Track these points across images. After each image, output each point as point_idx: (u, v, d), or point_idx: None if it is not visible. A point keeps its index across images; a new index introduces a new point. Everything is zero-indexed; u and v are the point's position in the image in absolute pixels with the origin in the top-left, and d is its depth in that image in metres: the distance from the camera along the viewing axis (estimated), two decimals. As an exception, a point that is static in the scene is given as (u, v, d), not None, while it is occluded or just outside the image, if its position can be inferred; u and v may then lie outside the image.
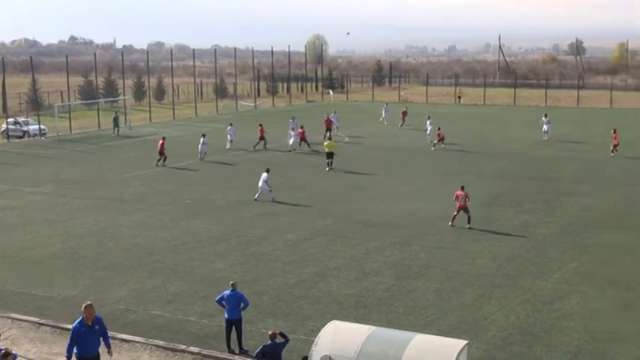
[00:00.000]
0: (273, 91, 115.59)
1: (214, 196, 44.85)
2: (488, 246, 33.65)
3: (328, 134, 66.48)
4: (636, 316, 25.17)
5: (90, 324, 18.96)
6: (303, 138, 62.91)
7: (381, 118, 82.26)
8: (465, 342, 18.12)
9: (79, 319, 19.07)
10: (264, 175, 43.42)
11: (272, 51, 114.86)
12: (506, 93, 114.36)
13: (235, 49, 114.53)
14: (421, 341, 17.98)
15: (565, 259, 31.60)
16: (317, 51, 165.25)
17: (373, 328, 18.88)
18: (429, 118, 69.25)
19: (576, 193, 44.85)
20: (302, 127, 64.06)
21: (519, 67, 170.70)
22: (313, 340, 18.62)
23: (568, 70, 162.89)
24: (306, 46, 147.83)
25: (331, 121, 70.52)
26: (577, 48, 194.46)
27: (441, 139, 63.09)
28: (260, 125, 65.64)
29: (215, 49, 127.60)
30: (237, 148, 62.57)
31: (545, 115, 70.67)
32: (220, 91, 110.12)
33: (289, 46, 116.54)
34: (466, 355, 18.04)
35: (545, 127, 68.48)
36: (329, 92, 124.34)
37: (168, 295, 27.61)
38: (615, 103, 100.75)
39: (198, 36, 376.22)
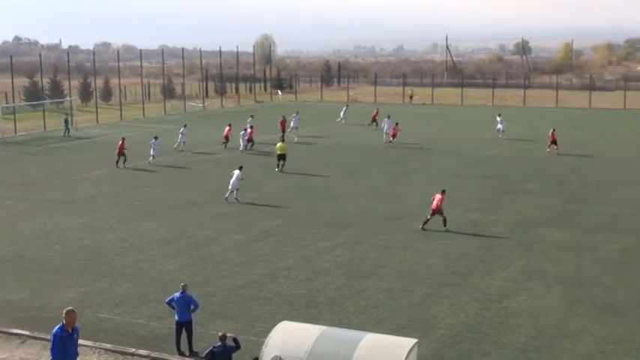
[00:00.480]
0: (221, 92, 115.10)
1: (163, 197, 44.54)
2: (438, 245, 33.88)
3: (282, 135, 66.36)
4: (582, 312, 25.52)
5: (70, 331, 18.11)
6: (250, 139, 62.75)
7: (339, 119, 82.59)
8: (414, 341, 18.21)
9: (59, 325, 18.13)
10: (237, 172, 43.31)
11: (220, 51, 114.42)
12: (453, 92, 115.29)
13: (183, 49, 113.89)
14: (371, 340, 18.04)
15: (513, 257, 31.94)
16: (265, 51, 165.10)
17: (324, 328, 18.89)
18: (388, 117, 69.35)
19: (523, 191, 45.36)
20: (251, 128, 64.02)
21: (466, 66, 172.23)
22: (263, 341, 18.57)
23: (514, 69, 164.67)
24: (254, 46, 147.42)
25: (285, 121, 70.52)
26: (523, 48, 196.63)
27: (394, 136, 63.77)
28: (229, 125, 66.03)
29: (162, 50, 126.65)
30: (188, 150, 62.18)
31: (499, 115, 71.38)
32: (168, 92, 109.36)
33: (237, 46, 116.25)
34: (416, 353, 18.13)
35: (499, 126, 69.25)
36: (277, 92, 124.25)
37: (116, 297, 27.35)
38: (561, 102, 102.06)
39: (145, 36, 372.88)
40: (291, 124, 73.49)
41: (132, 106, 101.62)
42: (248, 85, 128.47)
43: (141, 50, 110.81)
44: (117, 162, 54.91)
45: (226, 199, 42.81)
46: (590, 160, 56.23)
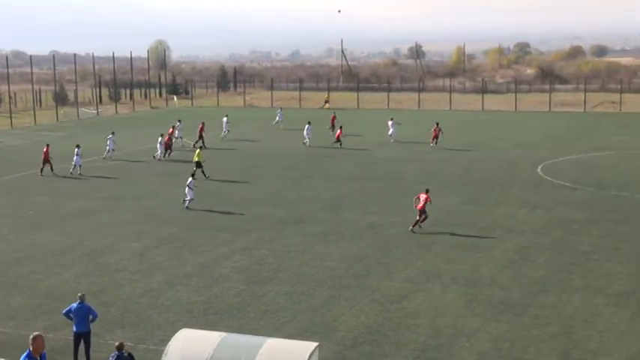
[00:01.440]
0: (115, 98, 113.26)
1: (59, 206, 43.56)
2: (337, 248, 34.05)
3: (199, 141, 65.64)
4: (479, 311, 26.00)
5: (38, 358, 16.59)
6: (168, 146, 61.17)
7: (274, 122, 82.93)
8: (315, 344, 18.24)
9: (26, 353, 16.61)
10: (189, 180, 42.73)
11: (113, 57, 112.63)
12: (349, 96, 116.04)
13: (75, 55, 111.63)
14: (272, 345, 17.99)
15: (411, 258, 32.33)
16: (160, 56, 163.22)
17: (224, 334, 18.76)
18: (309, 123, 69.14)
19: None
20: (170, 133, 62.56)
21: (362, 70, 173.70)
22: (163, 350, 18.33)
23: (408, 73, 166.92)
24: (148, 51, 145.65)
25: (204, 127, 69.63)
26: (417, 52, 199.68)
27: (338, 139, 65.34)
28: (202, 123, 67.71)
29: (54, 55, 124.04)
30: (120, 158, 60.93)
31: (391, 119, 72.13)
32: (60, 99, 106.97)
33: (131, 51, 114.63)
34: (317, 357, 18.16)
35: (391, 130, 70.02)
36: (173, 98, 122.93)
37: (9, 310, 26.60)
38: (454, 105, 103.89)
39: (35, 42, 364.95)
40: (224, 128, 73.87)
41: (23, 114, 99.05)
42: (143, 90, 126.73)
43: (31, 56, 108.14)
44: (41, 170, 53.51)
45: (187, 208, 42.24)
46: (485, 162, 57.39)
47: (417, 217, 36.94)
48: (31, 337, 16.86)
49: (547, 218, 39.11)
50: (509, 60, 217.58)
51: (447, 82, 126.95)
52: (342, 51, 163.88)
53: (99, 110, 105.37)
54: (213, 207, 42.80)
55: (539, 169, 53.53)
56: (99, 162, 58.93)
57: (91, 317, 21.89)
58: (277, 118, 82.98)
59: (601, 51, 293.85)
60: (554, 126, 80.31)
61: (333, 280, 29.57)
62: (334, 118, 78.31)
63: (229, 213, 41.27)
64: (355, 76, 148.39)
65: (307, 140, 67.36)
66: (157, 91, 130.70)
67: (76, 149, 54.39)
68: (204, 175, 50.91)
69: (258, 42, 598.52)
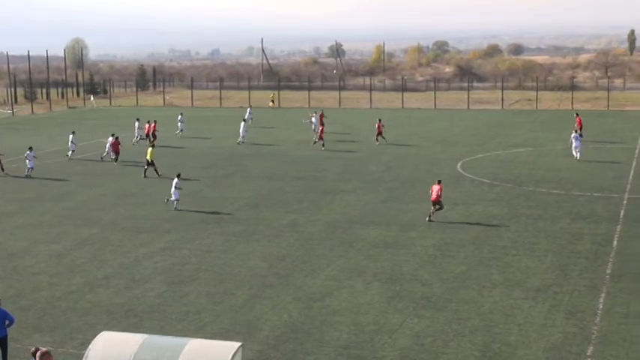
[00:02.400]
0: (31, 98, 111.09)
1: (-29, 208, 42.54)
2: (259, 247, 33.96)
3: (150, 140, 64.70)
4: (401, 307, 26.20)
5: None
6: (116, 151, 58.11)
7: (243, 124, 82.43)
8: (238, 344, 18.15)
9: None
10: (175, 180, 42.08)
11: (29, 55, 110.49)
12: (270, 95, 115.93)
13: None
14: (195, 346, 17.84)
15: (333, 256, 32.43)
16: (77, 55, 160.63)
17: (145, 336, 18.54)
18: (244, 120, 68.91)
19: (341, 191, 46.14)
20: (114, 135, 60.28)
21: (282, 69, 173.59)
22: (83, 353, 18.02)
23: (329, 71, 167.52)
24: (65, 50, 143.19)
25: (152, 126, 68.31)
26: (337, 50, 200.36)
27: (321, 138, 64.26)
28: (155, 122, 68.30)
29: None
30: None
31: (315, 113, 72.35)
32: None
33: (47, 50, 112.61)
34: (240, 356, 18.07)
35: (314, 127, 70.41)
36: (90, 98, 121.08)
37: None
38: (375, 104, 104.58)
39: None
40: (179, 126, 74.00)
41: None
42: (60, 90, 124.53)
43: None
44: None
45: (175, 209, 41.62)
46: (405, 159, 57.89)
47: (432, 208, 38.21)
48: (39, 353, 16.41)
49: (467, 214, 39.63)
50: (428, 58, 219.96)
51: (368, 80, 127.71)
52: (263, 50, 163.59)
53: (14, 110, 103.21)
54: (133, 207, 42.30)
55: (458, 166, 54.23)
56: (16, 163, 57.70)
57: (7, 322, 21.37)
58: (247, 115, 79.52)
59: (517, 49, 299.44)
60: (473, 123, 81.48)
61: (255, 279, 29.48)
62: (322, 115, 76.06)
63: (149, 213, 40.83)
64: (276, 75, 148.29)
65: (241, 138, 67.47)
66: (75, 90, 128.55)
67: (71, 135, 59.25)
68: (157, 174, 51.29)
69: (178, 41, 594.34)
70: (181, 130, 73.67)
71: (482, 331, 24.04)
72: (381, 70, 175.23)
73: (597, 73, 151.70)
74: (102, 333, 18.94)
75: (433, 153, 60.98)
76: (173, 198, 41.90)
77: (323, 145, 63.53)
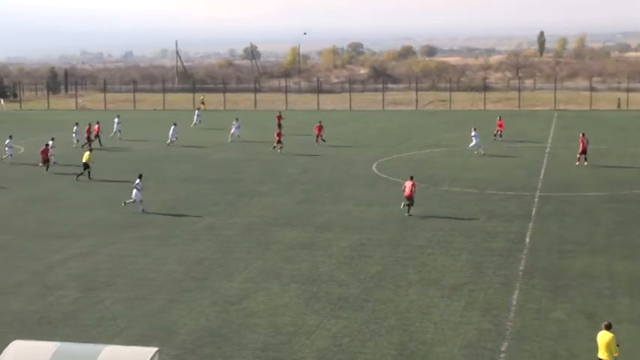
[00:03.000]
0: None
1: None
2: (175, 250, 33.67)
3: (88, 144, 63.16)
4: (319, 308, 26.27)
5: None
6: (45, 158, 54.97)
7: (192, 124, 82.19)
8: (155, 349, 17.95)
9: None
10: (137, 181, 41.43)
11: None
12: (185, 98, 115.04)
13: None
14: (110, 353, 17.58)
15: (250, 259, 32.34)
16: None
17: (59, 344, 18.19)
18: (174, 124, 67.82)
19: (258, 193, 46.06)
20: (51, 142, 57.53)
21: (197, 71, 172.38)
22: (-6, 363, 17.60)
23: (244, 74, 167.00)
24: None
25: (91, 129, 66.65)
26: (252, 52, 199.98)
27: (279, 142, 62.49)
28: (97, 123, 67.62)
29: None
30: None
31: (237, 119, 71.79)
32: None
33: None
34: (157, 362, 17.86)
35: (233, 130, 70.02)
36: (0, 101, 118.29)
37: None
38: (290, 105, 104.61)
39: None
40: (114, 128, 73.45)
41: None
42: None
43: None
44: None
45: (143, 210, 41.05)
46: (321, 161, 58.08)
47: (407, 203, 39.42)
48: None
49: (383, 214, 39.95)
50: (343, 60, 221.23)
51: (283, 82, 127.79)
52: (177, 52, 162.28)
53: None
54: (46, 213, 41.51)
55: (374, 167, 54.65)
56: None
57: None
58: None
59: (431, 51, 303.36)
60: (388, 124, 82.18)
61: (172, 283, 29.21)
62: (280, 117, 75.83)
63: (63, 218, 40.13)
64: (190, 77, 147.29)
65: (172, 140, 67.34)
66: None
67: (8, 140, 58.62)
68: (89, 177, 50.74)
69: (90, 43, 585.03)
70: (119, 131, 72.96)
71: (399, 330, 24.26)
72: (296, 71, 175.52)
73: (508, 74, 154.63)
74: (13, 342, 18.51)
75: (349, 154, 61.31)
76: (133, 199, 41.30)
77: (280, 149, 62.04)
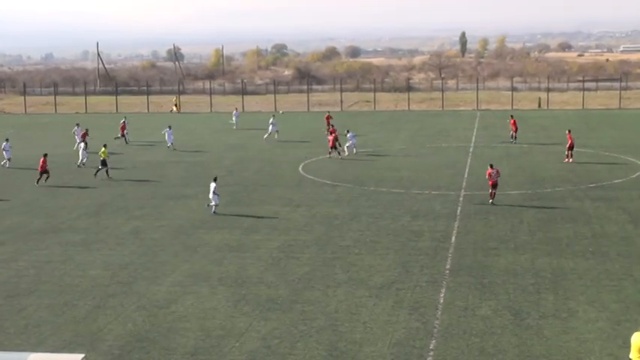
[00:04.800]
0: None
1: None
2: (100, 255, 33.17)
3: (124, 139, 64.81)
4: (248, 311, 26.13)
5: None
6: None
7: (268, 134, 77.17)
8: (81, 356, 17.69)
9: None
10: (212, 184, 40.70)
11: None
12: (108, 100, 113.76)
13: None
14: (35, 361, 17.23)
15: (177, 262, 32.04)
16: None
17: (-18, 353, 17.75)
18: (169, 127, 65.93)
19: (184, 196, 45.67)
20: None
21: (120, 74, 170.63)
22: None
23: (168, 75, 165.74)
24: None
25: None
26: (175, 54, 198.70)
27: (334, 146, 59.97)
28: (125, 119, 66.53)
29: None
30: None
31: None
32: None
33: None
34: (84, 369, 17.57)
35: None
36: None
37: None
38: (215, 107, 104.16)
39: None
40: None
41: None
42: None
43: None
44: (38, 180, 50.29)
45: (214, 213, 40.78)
46: (247, 162, 57.88)
47: (492, 191, 41.49)
48: None
49: (309, 215, 39.97)
50: (267, 61, 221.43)
51: (207, 84, 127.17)
52: (98, 54, 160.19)
53: None
54: (-35, 219, 40.53)
55: (300, 168, 54.68)
56: None
57: None
58: (270, 129, 72.69)
59: (355, 52, 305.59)
60: (313, 125, 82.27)
61: (97, 289, 28.76)
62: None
63: (-17, 225, 39.22)
64: (113, 80, 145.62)
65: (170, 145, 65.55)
66: None
67: (5, 143, 57.96)
68: (107, 175, 51.46)
69: (8, 45, 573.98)
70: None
71: (329, 330, 24.28)
72: (220, 73, 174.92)
73: (432, 75, 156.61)
74: None
75: (274, 155, 61.24)
76: (213, 203, 40.74)
77: (339, 153, 59.48)
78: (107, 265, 31.78)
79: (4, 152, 58.25)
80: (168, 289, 28.54)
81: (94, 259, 32.60)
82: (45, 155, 51.53)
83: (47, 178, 50.47)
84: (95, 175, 51.49)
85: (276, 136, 70.38)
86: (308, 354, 22.58)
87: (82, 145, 58.35)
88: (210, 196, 41.06)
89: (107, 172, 51.80)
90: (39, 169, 50.61)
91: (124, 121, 71.43)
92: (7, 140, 59.12)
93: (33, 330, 24.76)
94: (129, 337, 23.98)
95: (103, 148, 52.65)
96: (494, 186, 41.59)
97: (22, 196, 46.20)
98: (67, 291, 28.57)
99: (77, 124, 67.83)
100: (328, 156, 59.22)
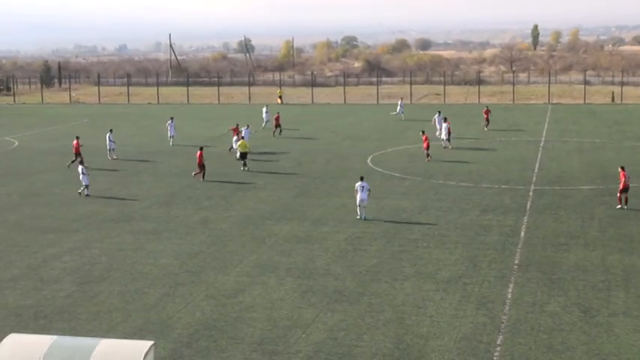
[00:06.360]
0: None
1: None
2: (170, 244, 33.63)
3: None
4: (315, 302, 26.26)
5: None
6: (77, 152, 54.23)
7: (395, 113, 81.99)
8: (151, 343, 17.96)
9: None
10: (80, 167, 42.06)
11: None
12: (179, 91, 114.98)
13: None
14: (106, 346, 17.57)
15: (245, 252, 32.31)
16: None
17: (55, 337, 18.19)
18: (171, 118, 65.83)
19: (253, 187, 45.99)
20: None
21: (191, 65, 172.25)
22: (-10, 357, 17.57)
23: (238, 67, 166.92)
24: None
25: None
26: (246, 46, 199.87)
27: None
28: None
29: None
30: None
31: (247, 126, 69.39)
32: None
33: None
34: (153, 355, 17.87)
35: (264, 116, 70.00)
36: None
37: None
38: (285, 99, 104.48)
39: None
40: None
41: None
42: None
43: None
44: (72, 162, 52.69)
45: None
46: (316, 154, 57.99)
47: (623, 195, 39.18)
48: None
49: (378, 208, 39.90)
50: (337, 54, 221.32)
51: (277, 75, 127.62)
52: (171, 45, 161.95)
53: None
54: (39, 207, 41.42)
55: (369, 160, 54.62)
56: None
57: None
58: (398, 109, 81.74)
59: (425, 44, 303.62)
60: (383, 118, 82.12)
61: (167, 277, 29.18)
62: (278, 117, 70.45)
63: (56, 212, 40.05)
64: (184, 71, 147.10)
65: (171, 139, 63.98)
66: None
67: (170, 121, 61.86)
68: (244, 167, 51.55)
69: (83, 36, 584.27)
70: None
71: (395, 323, 24.27)
72: (290, 65, 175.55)
73: (502, 68, 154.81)
74: (9, 335, 18.51)
75: (343, 147, 61.26)
76: (84, 184, 42.22)
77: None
78: (177, 254, 32.22)
79: (108, 143, 57.83)
80: (236, 279, 28.81)
81: (164, 248, 33.07)
82: (77, 138, 53.88)
83: (79, 161, 51.46)
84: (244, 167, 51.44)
85: (262, 126, 71.76)
86: (374, 346, 22.61)
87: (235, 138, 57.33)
88: (80, 177, 42.17)
89: (245, 164, 51.50)
90: (74, 150, 52.97)
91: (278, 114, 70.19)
92: (110, 131, 59.16)
93: (104, 316, 25.24)
94: (197, 326, 24.30)
95: (242, 141, 52.61)
96: (627, 190, 39.06)
97: (94, 185, 46.96)
98: (138, 279, 29.05)
99: (171, 118, 65.92)
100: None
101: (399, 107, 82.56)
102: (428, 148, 54.14)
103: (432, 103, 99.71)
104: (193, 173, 48.81)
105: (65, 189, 46.05)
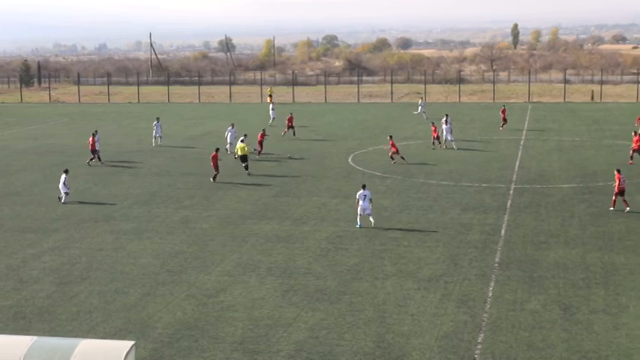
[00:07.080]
0: None
1: None
2: (151, 244, 33.52)
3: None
4: (296, 301, 26.24)
5: None
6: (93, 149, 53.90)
7: (417, 112, 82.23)
8: (131, 343, 17.87)
9: None
10: (63, 176, 41.69)
11: None
12: (160, 91, 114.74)
13: None
14: (87, 347, 17.47)
15: (226, 252, 32.26)
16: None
17: (35, 338, 18.05)
18: (157, 118, 65.05)
19: (234, 186, 45.90)
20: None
21: (172, 64, 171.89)
22: (-31, 358, 17.43)
23: (219, 66, 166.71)
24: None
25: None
26: (227, 45, 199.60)
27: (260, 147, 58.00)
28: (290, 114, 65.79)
29: None
30: None
31: (232, 125, 68.54)
32: None
33: None
34: (134, 356, 17.78)
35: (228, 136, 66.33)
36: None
37: None
38: (266, 98, 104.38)
39: None
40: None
41: None
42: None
43: None
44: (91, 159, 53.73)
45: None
46: (296, 153, 57.91)
47: (620, 198, 38.25)
48: None
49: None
50: (318, 53, 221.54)
51: (258, 74, 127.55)
52: (151, 44, 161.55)
53: None
54: (18, 207, 41.19)
55: (349, 159, 54.65)
56: None
57: None
58: (420, 109, 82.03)
59: (406, 43, 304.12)
60: (363, 117, 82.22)
61: (147, 277, 29.09)
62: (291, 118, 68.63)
63: (35, 212, 39.83)
64: (165, 70, 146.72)
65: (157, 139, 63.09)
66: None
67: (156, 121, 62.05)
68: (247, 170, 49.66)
69: (63, 35, 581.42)
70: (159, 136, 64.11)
71: (376, 322, 24.29)
72: (271, 64, 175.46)
73: (483, 67, 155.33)
74: (-12, 337, 18.37)
75: (324, 147, 61.26)
76: (63, 193, 41.60)
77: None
78: (157, 253, 32.12)
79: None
80: (217, 279, 28.76)
81: (145, 248, 32.97)
82: (93, 135, 54.19)
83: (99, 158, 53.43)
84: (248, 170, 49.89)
85: (269, 123, 71.45)
86: (355, 345, 22.61)
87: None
88: (60, 187, 41.82)
89: (247, 167, 49.79)
90: (90, 148, 53.32)
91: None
92: (157, 119, 62.11)
93: (84, 317, 25.13)
94: (178, 325, 24.23)
95: (241, 144, 50.48)
96: (623, 192, 38.23)
97: (75, 184, 46.72)
98: (119, 278, 28.94)
99: (157, 118, 65.19)
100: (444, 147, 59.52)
101: (420, 107, 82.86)
102: (397, 152, 52.95)
103: (412, 102, 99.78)
104: (212, 179, 47.34)
105: (45, 189, 45.80)
